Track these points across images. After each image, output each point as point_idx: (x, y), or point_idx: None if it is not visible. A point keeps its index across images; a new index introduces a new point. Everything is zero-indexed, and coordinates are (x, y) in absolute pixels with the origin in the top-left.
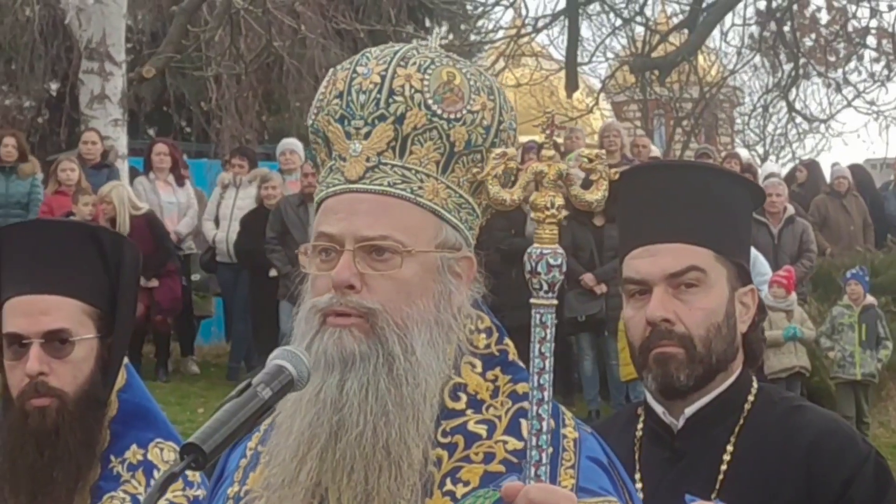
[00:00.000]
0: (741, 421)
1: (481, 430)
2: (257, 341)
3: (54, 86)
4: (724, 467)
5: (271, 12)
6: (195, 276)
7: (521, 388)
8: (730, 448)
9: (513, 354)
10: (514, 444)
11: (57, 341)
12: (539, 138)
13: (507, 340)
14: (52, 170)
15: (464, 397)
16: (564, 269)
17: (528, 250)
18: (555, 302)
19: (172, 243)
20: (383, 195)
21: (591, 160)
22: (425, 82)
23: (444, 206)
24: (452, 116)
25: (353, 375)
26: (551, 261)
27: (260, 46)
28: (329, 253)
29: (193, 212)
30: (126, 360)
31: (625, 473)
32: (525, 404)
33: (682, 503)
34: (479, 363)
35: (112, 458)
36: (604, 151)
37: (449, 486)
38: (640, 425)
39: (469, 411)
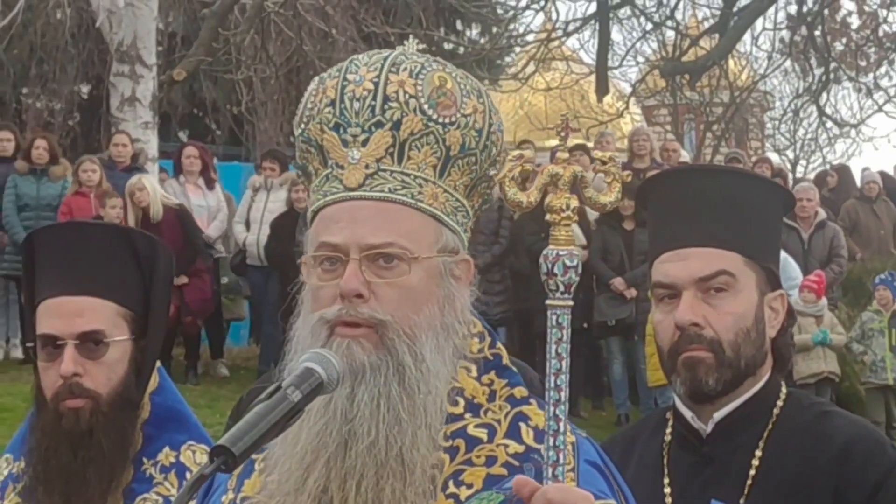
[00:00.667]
0: (770, 426)
1: (481, 433)
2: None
3: (85, 88)
4: (752, 472)
5: (301, 15)
6: (224, 279)
7: (518, 392)
8: (758, 453)
9: (505, 359)
10: (514, 447)
11: (91, 342)
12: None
13: (500, 345)
14: (73, 170)
15: (461, 401)
16: (580, 270)
17: (544, 252)
18: (570, 303)
19: (202, 240)
20: (384, 201)
21: (604, 162)
22: (419, 87)
23: (442, 210)
24: (447, 121)
25: (364, 387)
26: (567, 262)
27: (290, 49)
28: (333, 262)
29: (223, 215)
30: (158, 363)
31: (620, 477)
32: (524, 408)
33: None
34: (473, 367)
35: (144, 460)
36: (617, 153)
37: (452, 488)
38: (668, 430)
39: (468, 415)
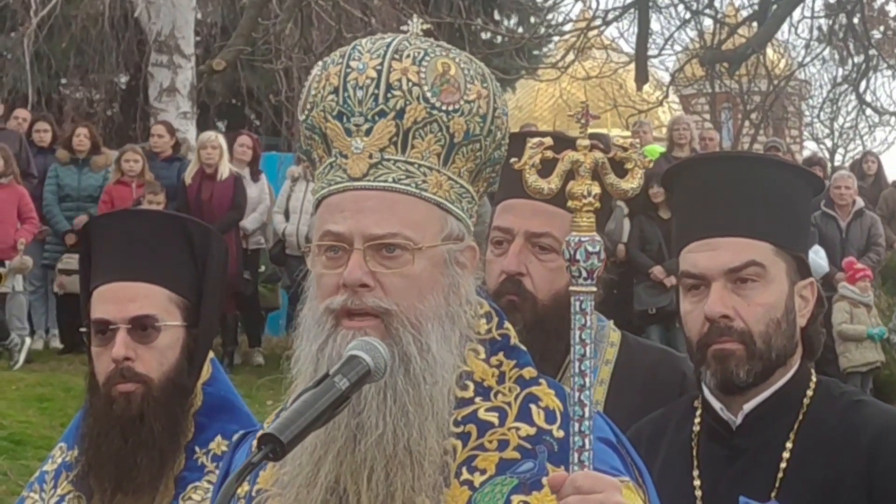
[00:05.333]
0: (800, 416)
1: (492, 417)
2: None
3: (124, 79)
4: (783, 465)
5: (341, 5)
6: (262, 269)
7: (527, 372)
8: (789, 445)
9: (514, 338)
10: (526, 430)
11: (143, 327)
12: (616, 131)
13: (507, 324)
14: (115, 159)
15: (471, 385)
16: (602, 256)
17: (567, 238)
18: (594, 289)
19: (244, 210)
20: (388, 191)
21: (625, 149)
22: (422, 75)
23: (447, 197)
24: (451, 108)
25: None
26: (589, 248)
27: (330, 39)
28: (336, 251)
29: (264, 207)
30: (211, 354)
31: (633, 450)
32: (534, 389)
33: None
34: (482, 349)
35: (197, 449)
36: (638, 140)
37: (465, 475)
38: (696, 420)
39: (478, 399)
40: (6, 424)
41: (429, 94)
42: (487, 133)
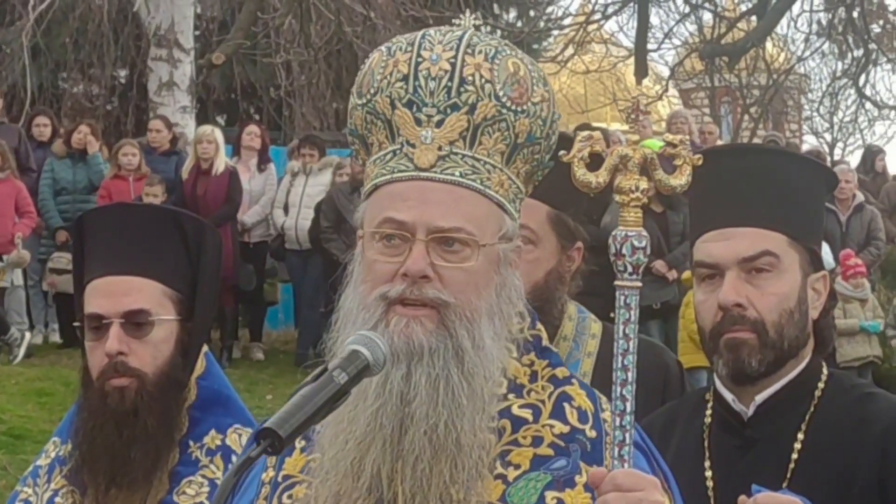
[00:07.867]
0: (812, 408)
1: (526, 413)
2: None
3: (123, 73)
4: (794, 456)
5: None
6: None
7: (560, 372)
8: (800, 436)
9: (545, 340)
10: (560, 427)
11: (136, 321)
12: (616, 125)
13: (539, 325)
14: (112, 153)
15: (504, 382)
16: (648, 251)
17: (613, 233)
18: (639, 284)
19: (238, 205)
20: (455, 185)
21: (674, 146)
22: (494, 72)
23: (506, 197)
24: (519, 108)
25: (422, 369)
26: (636, 243)
27: (329, 33)
28: (393, 239)
29: (267, 199)
30: (206, 348)
31: (660, 456)
32: (567, 389)
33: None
34: (513, 348)
35: (191, 443)
36: (687, 137)
37: (500, 469)
38: (708, 412)
39: (511, 395)
40: (5, 419)
41: (500, 93)
42: (545, 136)
